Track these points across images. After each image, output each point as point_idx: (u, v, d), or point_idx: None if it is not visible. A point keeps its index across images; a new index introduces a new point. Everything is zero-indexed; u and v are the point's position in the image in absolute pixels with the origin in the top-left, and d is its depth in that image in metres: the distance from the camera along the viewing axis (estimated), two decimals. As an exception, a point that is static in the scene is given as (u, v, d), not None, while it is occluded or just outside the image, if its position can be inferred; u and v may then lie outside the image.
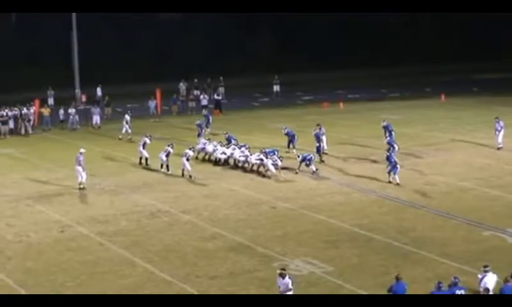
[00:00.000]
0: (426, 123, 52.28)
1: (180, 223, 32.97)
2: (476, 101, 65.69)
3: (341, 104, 62.82)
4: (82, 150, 38.94)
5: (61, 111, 57.30)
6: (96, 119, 56.66)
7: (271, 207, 35.05)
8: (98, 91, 67.15)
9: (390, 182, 37.91)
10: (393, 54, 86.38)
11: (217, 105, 62.54)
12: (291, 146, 45.59)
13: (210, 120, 52.77)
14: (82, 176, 38.22)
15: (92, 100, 60.84)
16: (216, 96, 64.05)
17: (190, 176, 40.21)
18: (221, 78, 68.53)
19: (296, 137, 45.75)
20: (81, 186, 38.11)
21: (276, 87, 71.03)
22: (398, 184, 37.67)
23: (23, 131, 54.26)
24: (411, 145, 46.29)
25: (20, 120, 54.43)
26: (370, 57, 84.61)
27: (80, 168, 38.19)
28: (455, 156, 44.52)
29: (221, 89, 67.09)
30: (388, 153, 38.86)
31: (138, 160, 43.41)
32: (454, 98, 66.05)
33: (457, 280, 22.33)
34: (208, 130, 51.65)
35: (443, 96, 66.23)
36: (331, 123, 53.32)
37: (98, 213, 34.35)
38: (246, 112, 54.09)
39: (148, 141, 43.62)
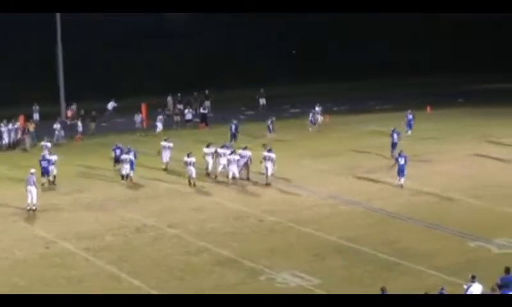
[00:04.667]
0: (411, 134, 52.50)
1: (166, 237, 32.86)
2: (461, 112, 65.82)
3: (327, 116, 62.71)
4: (32, 170, 37.97)
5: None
6: (159, 127, 57.63)
7: (258, 220, 35.00)
8: (109, 106, 66.95)
9: None
10: (384, 66, 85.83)
11: (203, 119, 62.43)
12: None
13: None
14: (33, 197, 36.91)
15: (158, 111, 61.18)
16: (201, 110, 63.99)
17: (194, 184, 41.15)
18: (207, 91, 68.42)
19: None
20: (33, 207, 36.77)
21: (262, 101, 70.85)
22: None
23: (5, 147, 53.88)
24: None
25: (3, 136, 54.05)
26: (359, 69, 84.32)
27: (32, 188, 36.86)
28: (440, 167, 44.60)
29: (207, 103, 66.95)
30: None
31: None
32: (439, 109, 66.06)
33: (443, 291, 22.38)
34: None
35: (428, 108, 66.25)
36: (317, 136, 53.10)
37: (84, 229, 34.18)
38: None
39: (48, 145, 46.38)
